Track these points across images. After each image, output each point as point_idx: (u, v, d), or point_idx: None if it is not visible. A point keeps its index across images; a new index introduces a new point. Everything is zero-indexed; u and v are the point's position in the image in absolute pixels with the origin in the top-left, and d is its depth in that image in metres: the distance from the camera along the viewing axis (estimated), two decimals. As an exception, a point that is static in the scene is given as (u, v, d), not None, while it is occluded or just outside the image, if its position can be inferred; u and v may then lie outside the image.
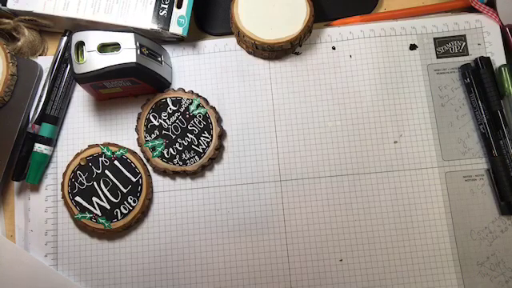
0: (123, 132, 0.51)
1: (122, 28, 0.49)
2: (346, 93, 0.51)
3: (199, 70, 0.52)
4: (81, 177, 0.49)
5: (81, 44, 0.46)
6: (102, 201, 0.49)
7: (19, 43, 0.52)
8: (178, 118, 0.50)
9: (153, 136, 0.49)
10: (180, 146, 0.49)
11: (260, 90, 0.52)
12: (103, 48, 0.46)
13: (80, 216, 0.48)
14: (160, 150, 0.49)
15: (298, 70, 0.52)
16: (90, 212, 0.48)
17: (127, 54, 0.46)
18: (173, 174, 0.50)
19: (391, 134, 0.50)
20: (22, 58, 0.52)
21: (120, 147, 0.50)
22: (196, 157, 0.49)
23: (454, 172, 0.49)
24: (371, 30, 0.52)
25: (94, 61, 0.46)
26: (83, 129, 0.51)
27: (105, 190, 0.49)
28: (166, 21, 0.50)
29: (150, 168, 0.50)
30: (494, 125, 0.49)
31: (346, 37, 0.52)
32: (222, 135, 0.50)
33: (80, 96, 0.52)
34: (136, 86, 0.49)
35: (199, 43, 0.53)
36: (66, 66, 0.51)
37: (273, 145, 0.50)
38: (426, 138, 0.50)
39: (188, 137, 0.49)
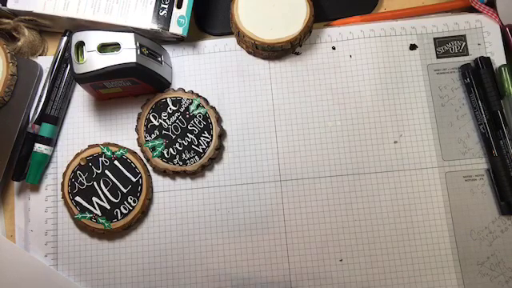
0: (123, 132, 0.51)
1: (122, 28, 0.49)
2: (346, 93, 0.51)
3: (199, 70, 0.52)
4: (81, 177, 0.49)
5: (81, 44, 0.46)
6: (102, 201, 0.49)
7: (19, 43, 0.52)
8: (178, 118, 0.50)
9: (153, 136, 0.49)
10: (180, 146, 0.49)
11: (260, 89, 0.52)
12: (103, 48, 0.46)
13: (80, 216, 0.48)
14: (160, 150, 0.49)
15: (298, 70, 0.52)
16: (90, 212, 0.48)
17: (127, 53, 0.46)
18: (173, 174, 0.50)
19: (391, 134, 0.50)
20: (21, 58, 0.52)
21: (120, 147, 0.50)
22: (196, 157, 0.49)
23: (453, 172, 0.49)
24: (371, 29, 0.52)
25: (94, 61, 0.46)
26: (83, 129, 0.51)
27: (105, 190, 0.49)
28: (166, 21, 0.50)
29: (149, 168, 0.50)
30: (494, 125, 0.49)
31: (346, 37, 0.52)
32: (222, 135, 0.50)
33: (80, 96, 0.52)
34: (136, 85, 0.49)
35: (199, 43, 0.53)
36: (66, 66, 0.51)
37: (273, 145, 0.50)
38: (426, 138, 0.50)
39: (188, 137, 0.49)
